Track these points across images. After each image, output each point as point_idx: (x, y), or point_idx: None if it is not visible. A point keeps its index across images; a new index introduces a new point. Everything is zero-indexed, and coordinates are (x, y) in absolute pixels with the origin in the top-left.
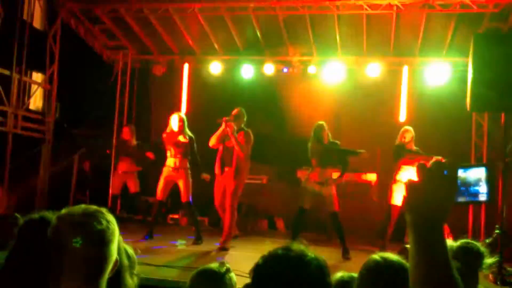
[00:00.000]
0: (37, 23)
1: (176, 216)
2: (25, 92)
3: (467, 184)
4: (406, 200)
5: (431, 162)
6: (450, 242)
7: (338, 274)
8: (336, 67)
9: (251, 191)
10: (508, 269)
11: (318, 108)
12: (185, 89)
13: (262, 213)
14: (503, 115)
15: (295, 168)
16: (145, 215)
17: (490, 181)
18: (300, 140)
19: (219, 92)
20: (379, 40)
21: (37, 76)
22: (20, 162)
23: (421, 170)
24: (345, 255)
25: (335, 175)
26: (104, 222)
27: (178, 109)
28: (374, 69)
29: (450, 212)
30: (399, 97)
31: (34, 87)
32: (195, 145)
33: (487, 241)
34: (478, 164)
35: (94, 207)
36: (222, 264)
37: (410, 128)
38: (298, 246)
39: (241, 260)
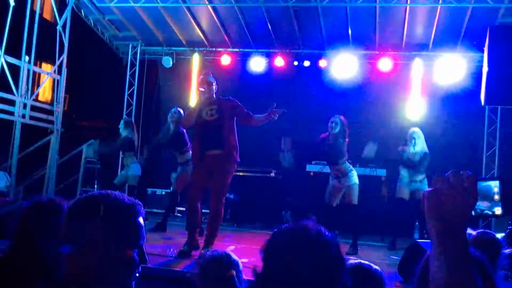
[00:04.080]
0: (47, 14)
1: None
2: (34, 82)
3: (483, 197)
4: (427, 208)
5: (448, 173)
6: (468, 231)
7: (354, 260)
8: (347, 60)
9: (259, 185)
10: None
11: (328, 103)
12: (194, 81)
13: (270, 208)
14: None
15: (305, 162)
16: None
17: (505, 194)
18: (310, 135)
19: (229, 85)
20: (391, 33)
21: (47, 67)
22: (29, 152)
23: (439, 179)
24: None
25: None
26: (131, 199)
27: (187, 101)
28: (385, 63)
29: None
30: (411, 92)
31: (43, 77)
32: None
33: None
34: (492, 177)
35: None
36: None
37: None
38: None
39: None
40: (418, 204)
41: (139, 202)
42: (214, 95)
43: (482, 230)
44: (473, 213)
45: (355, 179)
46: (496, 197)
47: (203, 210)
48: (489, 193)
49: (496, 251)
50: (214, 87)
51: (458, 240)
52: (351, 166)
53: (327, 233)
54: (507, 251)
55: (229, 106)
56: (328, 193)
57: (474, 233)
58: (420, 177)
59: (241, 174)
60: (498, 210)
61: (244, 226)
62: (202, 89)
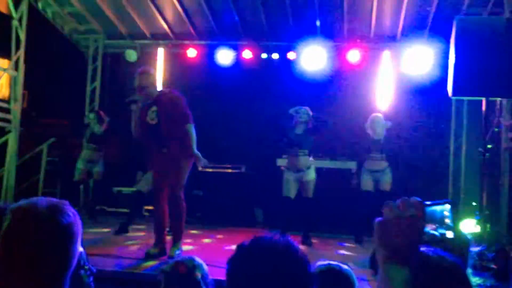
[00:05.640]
0: (2, 7)
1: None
2: None
3: (433, 221)
4: (376, 237)
5: (398, 201)
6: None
7: (323, 262)
8: (315, 52)
9: (229, 181)
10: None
11: (297, 95)
12: (159, 76)
13: (241, 204)
14: (483, 101)
15: (275, 156)
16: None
17: (455, 216)
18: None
19: (196, 79)
20: (359, 25)
21: (4, 63)
22: None
23: (388, 207)
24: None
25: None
26: (71, 215)
27: None
28: (354, 55)
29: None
30: (379, 83)
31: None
32: None
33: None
34: (441, 202)
35: (55, 199)
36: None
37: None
38: (282, 235)
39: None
40: (382, 194)
41: (76, 221)
42: (156, 91)
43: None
44: (425, 238)
45: (314, 174)
46: (447, 220)
47: None
48: (439, 217)
49: (465, 249)
50: (150, 81)
51: (406, 271)
52: (312, 161)
53: (295, 246)
54: (475, 249)
55: (169, 104)
56: (289, 186)
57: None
58: (384, 164)
59: (210, 170)
60: (449, 234)
61: (214, 223)
62: (139, 94)
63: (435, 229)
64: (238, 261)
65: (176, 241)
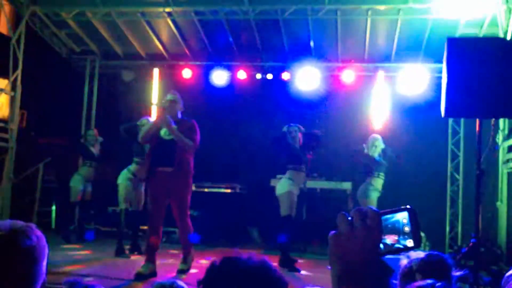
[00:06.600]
0: (3, 28)
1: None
2: None
3: (391, 232)
4: (329, 251)
5: (351, 211)
6: (416, 254)
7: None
8: (310, 73)
9: (224, 200)
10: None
11: (292, 115)
12: (155, 96)
13: (235, 224)
14: (477, 121)
15: (269, 176)
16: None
17: (415, 225)
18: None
19: (191, 99)
20: (353, 45)
21: (3, 83)
22: None
23: (341, 219)
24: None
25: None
26: (34, 238)
27: (148, 116)
28: (348, 75)
29: (376, 264)
30: (374, 103)
31: None
32: None
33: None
34: (399, 209)
35: (21, 222)
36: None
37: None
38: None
39: None
40: None
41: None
42: (179, 115)
43: (430, 251)
44: (381, 248)
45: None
46: (406, 229)
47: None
48: (398, 226)
49: (445, 274)
50: (178, 106)
51: (359, 286)
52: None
53: (271, 266)
54: (457, 273)
55: (186, 128)
56: (294, 203)
57: (422, 254)
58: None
59: (205, 190)
60: (409, 243)
61: (209, 243)
62: (163, 108)
63: (397, 241)
64: (209, 283)
65: (187, 262)
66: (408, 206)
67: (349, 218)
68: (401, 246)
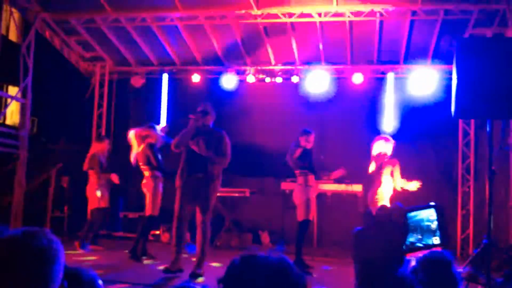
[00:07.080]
0: (13, 36)
1: (157, 232)
2: (1, 105)
3: (417, 229)
4: (353, 249)
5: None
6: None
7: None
8: (319, 76)
9: (234, 205)
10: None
11: (301, 118)
12: (164, 101)
13: (246, 227)
14: (488, 122)
15: (280, 180)
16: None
17: (441, 222)
18: (284, 152)
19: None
20: (362, 47)
21: (14, 90)
22: None
23: (366, 217)
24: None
25: None
26: (44, 241)
27: (157, 121)
28: (358, 78)
29: (402, 261)
30: (384, 105)
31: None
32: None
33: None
34: (425, 206)
35: (35, 228)
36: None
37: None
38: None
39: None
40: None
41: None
42: (211, 125)
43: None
44: (405, 246)
45: None
46: (433, 226)
47: None
48: (422, 224)
49: (447, 270)
50: (209, 117)
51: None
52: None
53: (290, 263)
54: (459, 270)
55: (216, 139)
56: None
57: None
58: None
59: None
60: (436, 240)
61: (219, 246)
62: (193, 117)
63: (421, 239)
64: (230, 281)
65: (201, 265)
66: (433, 203)
67: (374, 215)
68: (421, 245)
